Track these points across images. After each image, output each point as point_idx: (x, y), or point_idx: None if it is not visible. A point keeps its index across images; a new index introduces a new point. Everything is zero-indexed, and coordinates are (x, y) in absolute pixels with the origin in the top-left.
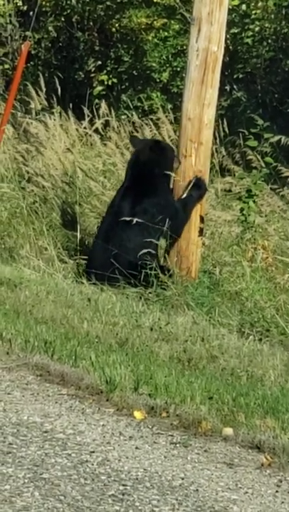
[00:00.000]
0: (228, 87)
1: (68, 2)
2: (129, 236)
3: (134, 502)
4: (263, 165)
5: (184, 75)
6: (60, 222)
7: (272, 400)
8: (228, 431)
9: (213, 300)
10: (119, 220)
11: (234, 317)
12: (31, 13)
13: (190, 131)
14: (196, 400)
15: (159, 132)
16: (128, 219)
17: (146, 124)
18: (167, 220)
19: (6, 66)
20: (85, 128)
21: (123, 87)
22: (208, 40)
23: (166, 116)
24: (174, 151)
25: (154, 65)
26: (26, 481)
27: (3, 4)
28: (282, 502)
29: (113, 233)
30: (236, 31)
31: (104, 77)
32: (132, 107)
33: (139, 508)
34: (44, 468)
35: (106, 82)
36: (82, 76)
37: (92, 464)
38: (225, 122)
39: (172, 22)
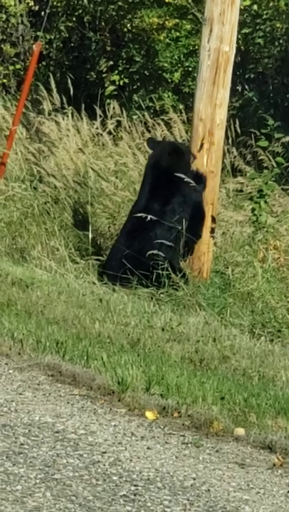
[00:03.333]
0: (239, 88)
1: (80, 2)
2: (158, 235)
3: (145, 502)
4: (275, 165)
5: (195, 75)
6: (71, 223)
7: (284, 401)
8: (240, 431)
9: (225, 300)
10: (148, 219)
11: (246, 317)
12: (43, 13)
13: (202, 131)
14: (208, 401)
15: (170, 132)
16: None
17: (158, 124)
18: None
19: (18, 66)
20: (97, 128)
21: (135, 87)
22: (220, 41)
23: (178, 117)
24: (190, 151)
25: (165, 65)
26: (38, 481)
27: (15, 4)
28: None
29: (139, 233)
30: (248, 31)
31: (116, 77)
32: (143, 107)
33: (151, 508)
34: (56, 469)
35: (118, 82)
36: (94, 76)
37: (104, 465)
38: (236, 122)
39: (184, 22)
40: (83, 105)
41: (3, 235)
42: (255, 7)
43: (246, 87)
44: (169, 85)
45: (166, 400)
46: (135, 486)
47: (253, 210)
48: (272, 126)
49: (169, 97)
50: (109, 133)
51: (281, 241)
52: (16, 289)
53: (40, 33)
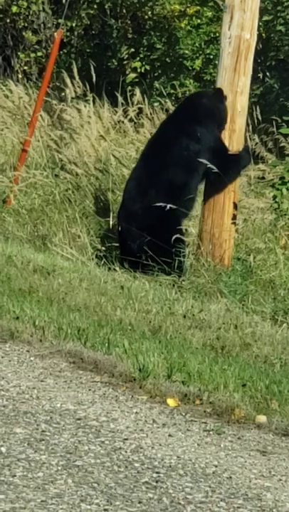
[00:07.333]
0: (260, 75)
1: None
2: (174, 155)
3: (167, 489)
4: None
5: (216, 62)
6: (93, 210)
7: None
8: (262, 418)
9: (247, 287)
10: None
11: (267, 304)
12: (64, 0)
13: None
14: (230, 388)
15: None
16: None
17: None
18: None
19: (39, 54)
20: (118, 115)
21: (156, 74)
22: (241, 28)
23: None
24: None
25: (186, 52)
26: (60, 468)
27: None
28: None
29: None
30: (268, 19)
31: (137, 65)
32: (165, 94)
33: (173, 495)
34: (77, 456)
35: (139, 70)
36: (115, 63)
37: (126, 452)
38: (258, 110)
39: (205, 9)
40: (104, 92)
41: (25, 222)
42: None
43: (267, 74)
44: (190, 72)
45: (188, 387)
46: (157, 473)
47: (274, 197)
48: None
49: (190, 84)
50: (131, 120)
51: None
52: (37, 276)
53: (61, 21)
